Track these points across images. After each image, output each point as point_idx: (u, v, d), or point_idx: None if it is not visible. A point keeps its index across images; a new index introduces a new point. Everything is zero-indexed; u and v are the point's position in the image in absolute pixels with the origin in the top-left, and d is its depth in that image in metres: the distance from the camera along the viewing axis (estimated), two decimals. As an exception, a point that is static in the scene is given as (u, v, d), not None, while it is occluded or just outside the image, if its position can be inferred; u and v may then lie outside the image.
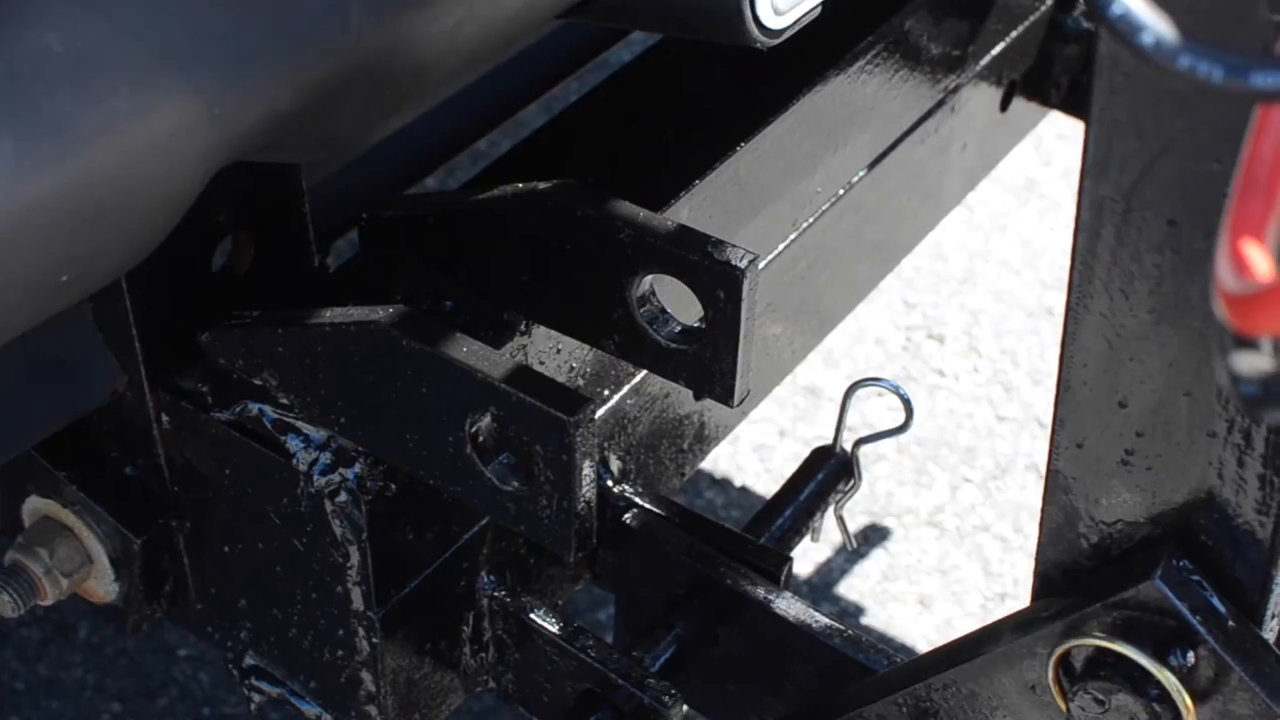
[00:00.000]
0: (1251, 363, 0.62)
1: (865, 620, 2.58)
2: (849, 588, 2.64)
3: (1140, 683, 1.00)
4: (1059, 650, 1.03)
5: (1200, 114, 0.86)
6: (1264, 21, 0.79)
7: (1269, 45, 0.77)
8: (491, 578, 1.32)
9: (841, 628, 1.31)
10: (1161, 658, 0.99)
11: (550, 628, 1.31)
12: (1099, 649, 1.01)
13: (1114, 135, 0.91)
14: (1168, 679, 0.99)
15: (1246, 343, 0.62)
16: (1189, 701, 0.98)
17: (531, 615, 1.32)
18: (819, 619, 1.31)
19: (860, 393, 1.36)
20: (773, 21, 1.18)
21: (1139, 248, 0.93)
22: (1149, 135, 0.89)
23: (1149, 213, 0.92)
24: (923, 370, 3.01)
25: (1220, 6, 0.81)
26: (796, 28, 1.21)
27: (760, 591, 1.32)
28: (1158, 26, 0.60)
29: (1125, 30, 0.60)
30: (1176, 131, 0.88)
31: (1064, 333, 1.01)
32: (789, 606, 1.32)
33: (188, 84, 0.91)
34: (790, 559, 1.36)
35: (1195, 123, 0.87)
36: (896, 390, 1.35)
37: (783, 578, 1.35)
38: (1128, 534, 1.05)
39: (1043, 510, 1.10)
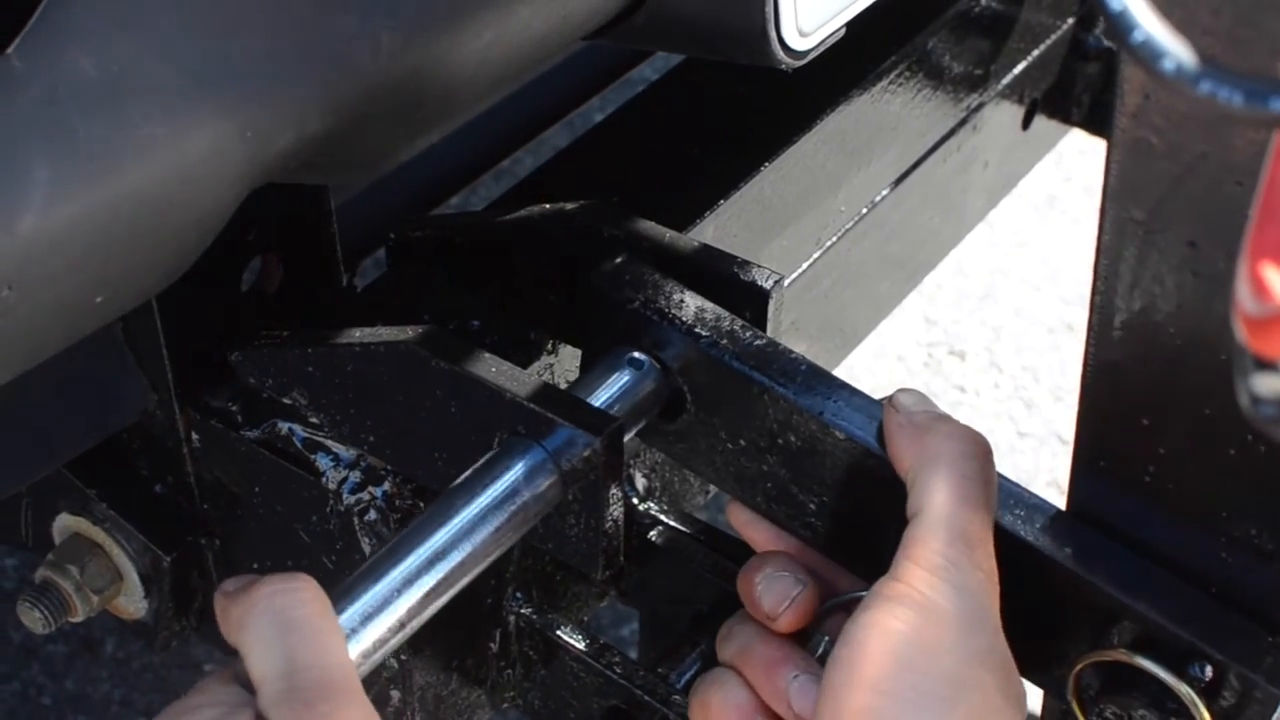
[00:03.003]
0: (1270, 384, 0.63)
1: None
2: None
3: (1160, 697, 1.01)
4: (1079, 664, 1.04)
5: (1222, 136, 0.86)
6: (1281, 43, 0.80)
7: (1290, 68, 0.77)
8: (519, 595, 1.33)
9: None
10: (1180, 672, 1.00)
11: (576, 644, 1.32)
12: (1118, 663, 1.02)
13: (1136, 157, 0.91)
14: (1185, 693, 0.99)
15: (1266, 365, 0.63)
16: (1206, 715, 0.99)
17: (558, 632, 1.33)
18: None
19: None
20: (797, 43, 1.19)
21: (1160, 269, 0.94)
22: (1170, 157, 0.89)
23: (1170, 235, 0.92)
24: (944, 386, 3.01)
25: (1240, 29, 0.81)
26: (821, 49, 1.22)
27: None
28: (1179, 52, 0.61)
29: (1147, 56, 0.61)
30: (1198, 153, 0.88)
31: (1085, 352, 1.01)
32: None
33: (220, 107, 0.92)
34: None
35: (1217, 145, 0.87)
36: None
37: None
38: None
39: None
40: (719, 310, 1.18)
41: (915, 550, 1.01)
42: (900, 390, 1.10)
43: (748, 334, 1.16)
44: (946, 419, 1.07)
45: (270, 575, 0.98)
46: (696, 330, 1.16)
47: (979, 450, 1.05)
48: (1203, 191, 0.89)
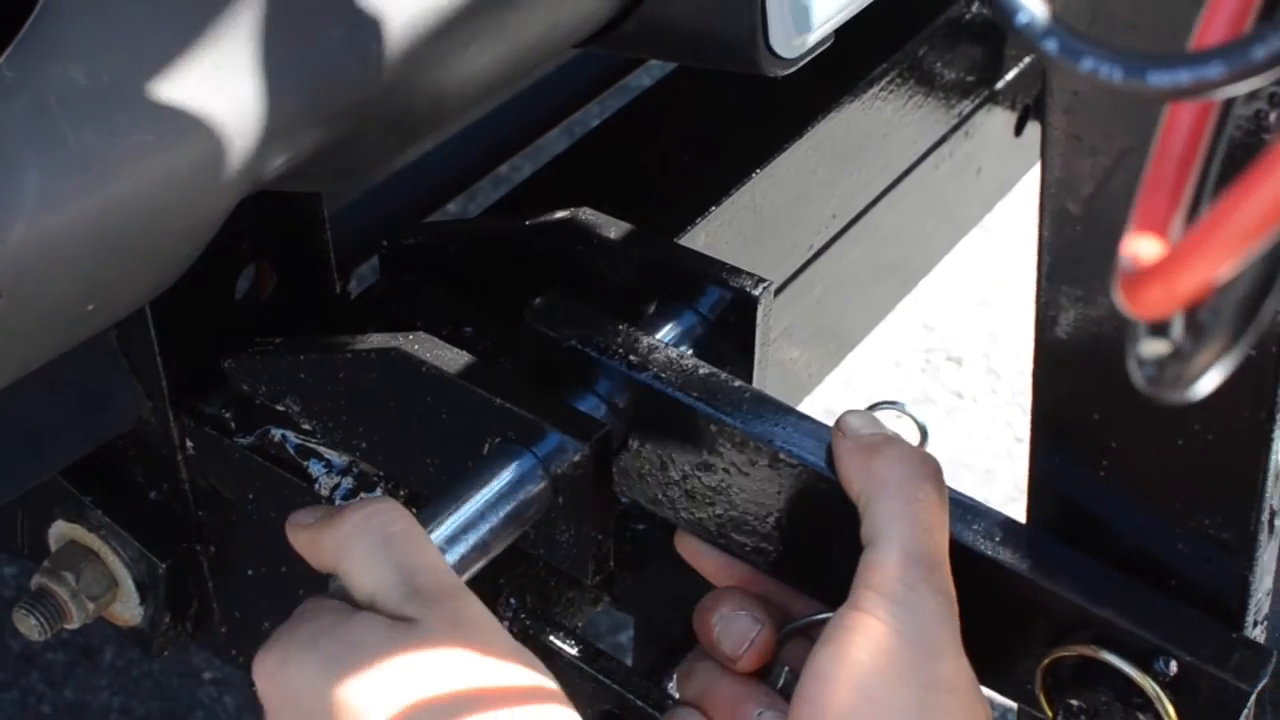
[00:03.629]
0: (1153, 348, 0.65)
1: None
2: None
3: (1125, 691, 1.02)
4: (1046, 660, 1.05)
5: (1149, 129, 0.87)
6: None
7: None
8: (512, 600, 1.33)
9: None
10: (1145, 666, 1.00)
11: (570, 650, 1.32)
12: (1085, 658, 1.03)
13: (1069, 153, 0.92)
14: (1150, 686, 1.00)
15: (1157, 329, 0.65)
16: (1171, 709, 1.00)
17: (551, 637, 1.33)
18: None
19: (880, 415, 1.37)
20: (786, 50, 1.19)
21: (1098, 263, 0.95)
22: (1102, 151, 0.91)
23: (1105, 227, 0.93)
24: (941, 392, 3.02)
25: (1161, 21, 0.82)
26: (810, 56, 1.23)
27: (777, 612, 1.33)
28: (1060, 31, 0.62)
29: (1031, 36, 0.62)
30: (1127, 147, 0.89)
31: (1035, 347, 1.02)
32: (805, 627, 1.33)
33: (211, 116, 0.93)
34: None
35: (1144, 138, 0.88)
36: (912, 415, 1.36)
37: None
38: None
39: (1026, 522, 1.12)
40: (656, 342, 1.18)
41: (872, 578, 1.00)
42: (847, 412, 1.10)
43: (688, 363, 1.16)
44: (895, 440, 1.07)
45: (354, 502, 1.00)
46: (635, 363, 1.16)
47: (929, 471, 1.05)
48: (1134, 183, 0.90)
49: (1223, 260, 0.60)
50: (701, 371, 1.15)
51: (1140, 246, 0.64)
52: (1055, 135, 0.92)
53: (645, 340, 1.18)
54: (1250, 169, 0.58)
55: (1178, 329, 0.65)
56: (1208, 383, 0.65)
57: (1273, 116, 0.81)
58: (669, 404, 1.14)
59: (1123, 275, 0.65)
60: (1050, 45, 0.62)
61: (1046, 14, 0.62)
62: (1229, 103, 0.68)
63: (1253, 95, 0.80)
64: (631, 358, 1.16)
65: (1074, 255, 0.95)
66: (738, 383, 1.15)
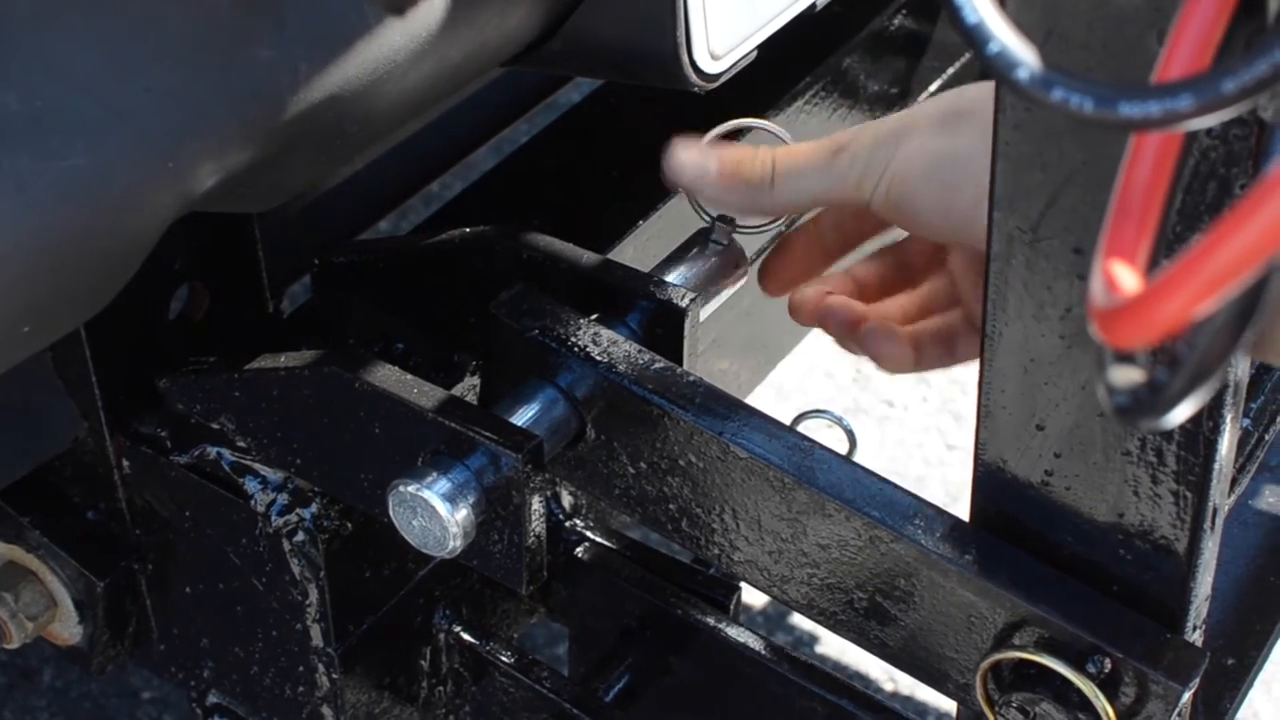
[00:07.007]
0: (1124, 375, 0.66)
1: (818, 649, 2.60)
2: (801, 617, 2.65)
3: (1064, 692, 1.03)
4: (985, 664, 1.06)
5: (1100, 145, 0.88)
6: (1153, 54, 0.82)
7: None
8: (448, 612, 1.35)
9: (792, 655, 1.33)
10: (1079, 666, 1.02)
11: (506, 660, 1.34)
12: (1022, 661, 1.04)
13: (1019, 169, 0.93)
14: (1086, 686, 1.01)
15: (1125, 357, 0.66)
16: (1108, 707, 1.01)
17: (487, 649, 1.35)
18: (769, 647, 1.34)
19: (809, 424, 1.39)
20: (709, 66, 1.21)
21: (1048, 276, 0.96)
22: (1052, 167, 0.92)
23: (1056, 242, 0.94)
24: (873, 401, 3.04)
25: (1113, 41, 0.84)
26: (732, 72, 1.25)
27: (710, 621, 1.35)
28: (1031, 61, 0.63)
29: (1002, 67, 0.64)
30: (1078, 163, 0.90)
31: (981, 359, 1.03)
32: (738, 635, 1.34)
33: (143, 140, 0.94)
34: (739, 589, 1.39)
35: (1095, 154, 0.89)
36: (839, 422, 1.38)
37: (732, 607, 1.38)
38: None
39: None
40: (616, 336, 1.19)
41: None
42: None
43: (645, 358, 1.17)
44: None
45: None
46: (595, 356, 1.17)
47: None
48: (1085, 199, 0.91)
49: (1204, 297, 0.61)
50: (657, 365, 1.17)
51: (1118, 277, 0.65)
52: (1005, 151, 0.93)
53: (605, 334, 1.19)
54: (1233, 209, 0.60)
55: (1144, 355, 0.66)
56: (1181, 413, 0.66)
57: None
58: (624, 395, 1.16)
59: (1098, 305, 0.66)
60: (1021, 75, 0.63)
61: (1019, 44, 0.64)
62: (1193, 133, 0.69)
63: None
64: (591, 351, 1.17)
65: (1025, 269, 0.96)
66: (692, 376, 1.17)
